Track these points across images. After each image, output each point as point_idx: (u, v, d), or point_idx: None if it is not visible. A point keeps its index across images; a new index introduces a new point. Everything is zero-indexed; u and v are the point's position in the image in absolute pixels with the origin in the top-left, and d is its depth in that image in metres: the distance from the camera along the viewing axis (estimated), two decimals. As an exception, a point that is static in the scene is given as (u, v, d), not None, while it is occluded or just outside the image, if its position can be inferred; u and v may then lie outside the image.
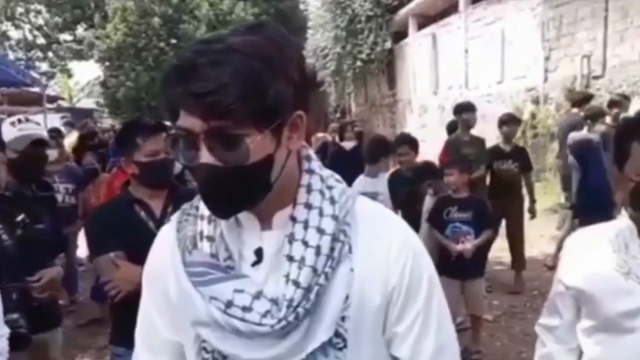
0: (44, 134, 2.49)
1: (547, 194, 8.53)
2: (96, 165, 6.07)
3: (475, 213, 3.99)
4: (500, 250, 5.63)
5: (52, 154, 4.66)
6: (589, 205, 4.96)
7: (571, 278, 1.39)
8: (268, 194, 0.88)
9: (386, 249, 0.93)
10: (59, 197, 4.63)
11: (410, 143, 4.60)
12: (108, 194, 4.49)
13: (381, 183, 4.43)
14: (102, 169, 6.29)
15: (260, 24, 0.88)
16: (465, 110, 5.56)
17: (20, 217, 2.38)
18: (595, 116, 5.50)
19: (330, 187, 0.95)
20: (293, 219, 0.91)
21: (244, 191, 0.86)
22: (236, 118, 0.79)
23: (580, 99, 6.63)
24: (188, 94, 0.79)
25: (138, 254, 1.31)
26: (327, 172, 0.98)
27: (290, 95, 0.84)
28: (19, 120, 2.41)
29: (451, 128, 6.49)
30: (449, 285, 3.57)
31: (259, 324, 0.86)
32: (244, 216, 0.92)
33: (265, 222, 0.93)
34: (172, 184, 2.29)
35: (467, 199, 4.05)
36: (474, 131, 5.67)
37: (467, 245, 3.91)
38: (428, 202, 4.26)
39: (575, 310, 1.42)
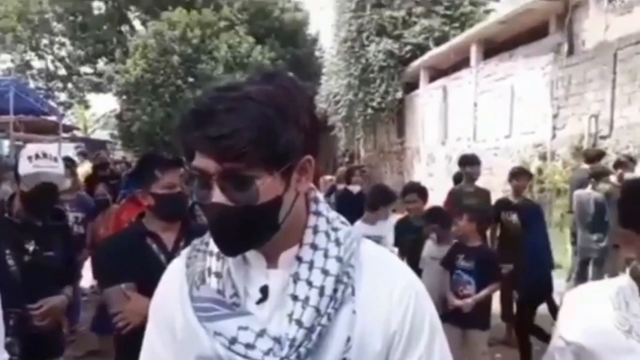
0: (57, 173, 2.42)
1: (553, 250, 8.55)
2: (108, 196, 6.14)
3: (478, 263, 3.98)
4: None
5: (65, 182, 4.75)
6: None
7: (571, 333, 1.38)
8: (276, 234, 0.91)
9: (389, 292, 0.94)
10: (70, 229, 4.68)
11: (419, 191, 4.65)
12: (116, 225, 4.52)
13: (379, 230, 4.42)
14: (113, 200, 6.36)
15: (274, 73, 0.94)
16: (469, 164, 5.63)
17: (29, 244, 2.39)
18: (600, 175, 5.56)
19: (335, 229, 0.97)
20: (299, 259, 0.93)
21: (252, 230, 0.89)
22: (248, 161, 0.84)
23: (594, 156, 6.73)
24: (204, 137, 0.84)
25: (148, 287, 1.31)
26: (333, 214, 1.00)
27: (300, 141, 0.88)
28: (37, 156, 2.39)
29: (457, 179, 6.55)
30: (450, 332, 3.54)
31: None
32: (251, 254, 0.95)
33: (272, 261, 0.94)
34: (185, 218, 2.29)
35: (473, 248, 4.01)
36: (480, 183, 5.71)
37: (468, 300, 3.90)
38: (429, 246, 4.26)
39: None
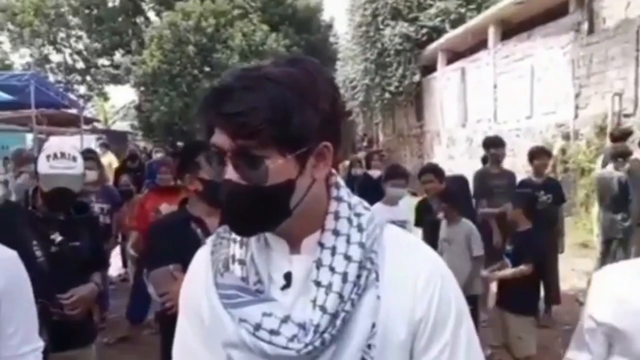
0: (75, 174, 2.42)
1: (578, 229, 8.50)
2: (131, 187, 6.23)
3: (517, 247, 4.02)
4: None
5: (91, 174, 4.81)
6: None
7: (602, 314, 1.36)
8: (289, 219, 0.90)
9: (414, 278, 0.93)
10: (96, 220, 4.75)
11: (434, 172, 4.62)
12: (140, 214, 4.62)
13: (400, 212, 4.38)
14: (137, 190, 6.45)
15: (300, 58, 0.93)
16: (493, 145, 5.59)
17: (55, 235, 2.41)
18: (621, 155, 5.50)
19: (358, 215, 0.95)
20: (321, 245, 0.92)
21: (261, 212, 0.88)
22: (261, 140, 0.84)
23: (620, 135, 6.66)
24: (220, 114, 0.85)
25: None
26: (355, 200, 0.98)
27: (317, 125, 0.87)
28: (55, 156, 2.39)
29: (484, 161, 6.53)
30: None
31: (286, 348, 0.87)
32: (274, 240, 0.95)
33: (295, 247, 0.94)
34: None
35: (515, 233, 4.10)
36: (505, 165, 5.67)
37: (497, 273, 3.97)
38: (442, 228, 4.25)
39: (606, 346, 1.38)
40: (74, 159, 2.44)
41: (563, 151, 9.88)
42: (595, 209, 6.94)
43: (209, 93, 0.89)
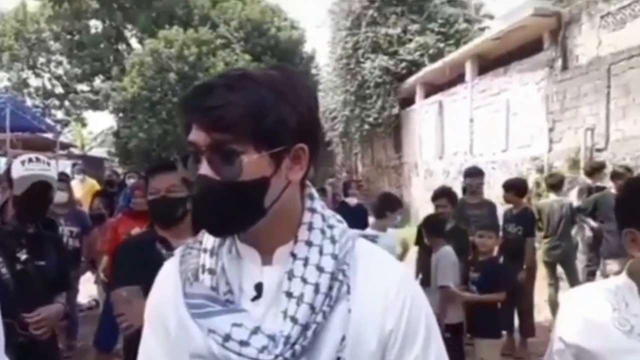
0: (50, 175, 2.44)
1: None
2: (103, 211, 6.13)
3: (483, 275, 4.08)
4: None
5: (62, 196, 4.72)
6: None
7: (571, 335, 1.37)
8: (262, 221, 0.90)
9: (384, 291, 0.93)
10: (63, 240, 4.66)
11: (449, 196, 4.80)
12: (113, 238, 4.54)
13: (388, 239, 4.44)
14: (110, 215, 6.35)
15: (282, 65, 0.96)
16: (469, 176, 5.68)
17: (21, 253, 2.37)
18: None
19: (331, 227, 0.96)
20: (293, 256, 0.92)
21: (234, 208, 0.88)
22: (236, 134, 0.85)
23: (594, 169, 6.93)
24: (198, 108, 0.87)
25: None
26: (329, 212, 0.99)
27: (293, 125, 0.88)
28: (30, 160, 2.42)
29: (464, 191, 6.60)
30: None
31: (256, 359, 0.86)
32: (245, 250, 0.94)
33: (266, 257, 0.93)
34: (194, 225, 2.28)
35: (480, 262, 4.25)
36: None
37: (466, 294, 4.08)
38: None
39: None
40: (48, 164, 2.47)
41: (537, 184, 10.02)
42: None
43: (191, 90, 0.90)
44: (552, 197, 6.32)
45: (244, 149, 0.86)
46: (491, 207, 5.61)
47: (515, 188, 5.66)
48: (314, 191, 0.99)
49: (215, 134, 0.85)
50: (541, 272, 5.87)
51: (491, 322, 4.07)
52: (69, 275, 3.04)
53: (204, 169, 0.87)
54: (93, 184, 8.94)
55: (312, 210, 0.96)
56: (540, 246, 6.21)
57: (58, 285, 2.56)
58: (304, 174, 0.93)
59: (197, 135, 0.87)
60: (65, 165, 12.38)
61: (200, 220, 0.92)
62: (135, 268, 2.10)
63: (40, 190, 2.38)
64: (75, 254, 4.93)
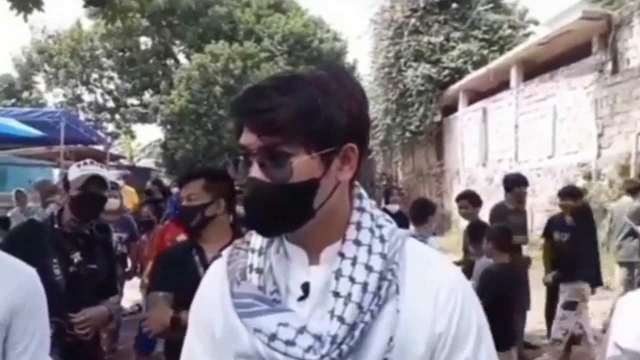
0: (104, 174, 2.59)
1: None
2: (152, 217, 6.32)
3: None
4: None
5: (113, 203, 4.89)
6: None
7: (628, 341, 1.31)
8: (311, 221, 0.89)
9: (434, 293, 0.91)
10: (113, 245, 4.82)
11: (469, 198, 4.93)
12: (160, 245, 4.63)
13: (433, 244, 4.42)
14: (158, 222, 6.54)
15: (330, 65, 0.96)
16: (517, 184, 5.47)
17: (75, 255, 2.43)
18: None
19: (380, 226, 0.94)
20: (341, 255, 0.90)
21: (284, 210, 0.88)
22: (286, 136, 0.85)
23: (635, 188, 6.78)
24: (249, 111, 0.88)
25: (184, 298, 1.35)
26: (377, 212, 0.97)
27: (343, 125, 0.87)
28: (84, 163, 2.57)
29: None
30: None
31: (302, 359, 0.85)
32: (293, 250, 0.94)
33: (314, 257, 0.93)
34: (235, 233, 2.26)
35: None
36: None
37: None
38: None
39: None
40: (102, 166, 2.63)
41: (585, 191, 9.72)
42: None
43: (242, 93, 0.91)
44: (625, 199, 6.42)
45: (294, 151, 0.86)
46: (525, 215, 5.64)
47: (572, 195, 5.46)
48: (362, 191, 0.98)
49: (266, 136, 0.85)
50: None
51: (495, 335, 3.92)
52: (117, 280, 3.12)
53: (255, 171, 0.88)
54: (131, 193, 9.18)
55: (361, 210, 0.95)
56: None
57: (106, 290, 2.62)
58: (353, 173, 0.92)
59: (248, 138, 0.88)
60: (115, 176, 12.79)
61: (251, 221, 0.94)
62: (170, 275, 2.21)
63: (95, 187, 2.48)
64: (121, 260, 5.10)
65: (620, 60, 9.68)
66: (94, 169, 2.52)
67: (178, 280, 2.09)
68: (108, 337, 4.90)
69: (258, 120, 0.86)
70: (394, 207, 6.97)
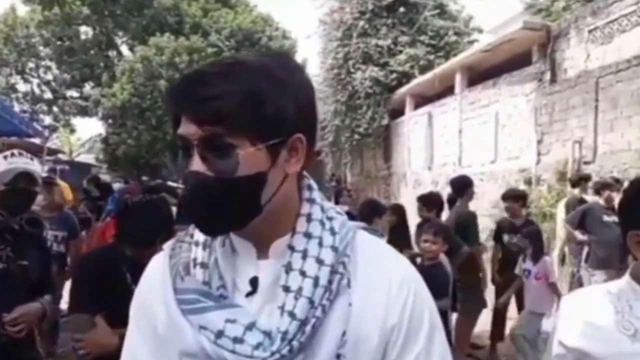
0: (34, 169, 2.44)
1: None
2: (89, 214, 6.05)
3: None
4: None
5: (38, 200, 4.61)
6: None
7: (572, 339, 1.33)
8: (258, 217, 0.85)
9: (386, 285, 0.89)
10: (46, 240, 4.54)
11: (513, 198, 5.34)
12: (100, 244, 4.45)
13: None
14: (96, 219, 6.26)
15: (276, 52, 0.94)
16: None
17: (4, 251, 2.32)
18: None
19: (330, 218, 0.91)
20: (291, 248, 0.87)
21: (229, 206, 0.83)
22: (231, 127, 0.79)
23: (577, 180, 7.09)
24: (189, 98, 0.81)
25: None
26: (328, 204, 0.94)
27: (290, 115, 0.83)
28: (12, 154, 2.43)
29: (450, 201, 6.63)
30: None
31: (251, 357, 0.82)
32: (240, 243, 0.90)
33: (262, 251, 0.89)
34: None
35: (423, 266, 4.13)
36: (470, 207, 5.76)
37: None
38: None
39: None
40: (32, 158, 2.45)
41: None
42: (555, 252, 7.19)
43: (180, 78, 0.84)
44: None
45: (239, 143, 0.80)
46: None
47: (523, 199, 5.81)
48: (312, 182, 0.94)
49: (208, 126, 0.80)
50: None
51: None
52: (51, 277, 2.95)
53: (196, 164, 0.82)
54: (65, 188, 8.76)
55: (311, 201, 0.92)
56: None
57: (40, 288, 2.49)
58: (301, 166, 0.88)
59: (188, 129, 0.82)
60: (42, 171, 12.17)
61: (193, 219, 0.88)
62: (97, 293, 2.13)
63: (24, 182, 2.37)
64: (60, 260, 4.77)
65: (558, 70, 10.02)
66: (22, 163, 2.39)
67: (107, 300, 2.04)
68: (45, 339, 4.63)
69: (200, 108, 0.80)
70: (344, 208, 6.97)
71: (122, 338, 1.88)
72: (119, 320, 1.07)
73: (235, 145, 0.80)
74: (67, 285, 5.62)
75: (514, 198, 5.66)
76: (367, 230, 1.00)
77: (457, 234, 4.89)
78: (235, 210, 0.84)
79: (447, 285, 3.94)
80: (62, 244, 4.92)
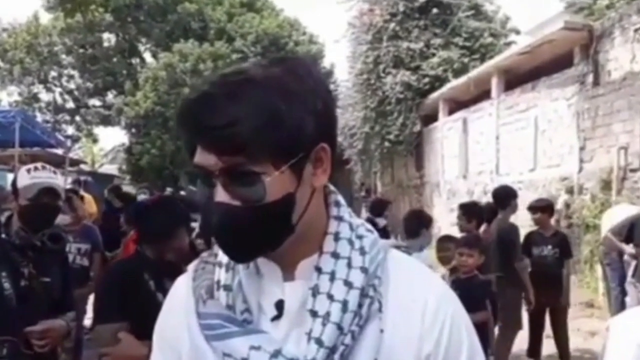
0: (57, 183, 2.49)
1: (583, 288, 8.37)
2: (124, 227, 5.91)
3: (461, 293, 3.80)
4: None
5: (63, 219, 4.46)
6: None
7: None
8: (290, 237, 0.83)
9: (421, 309, 0.86)
10: (69, 258, 4.36)
11: (541, 209, 5.34)
12: (127, 253, 4.29)
13: (426, 259, 4.22)
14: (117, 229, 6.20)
15: (283, 57, 0.86)
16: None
17: (26, 268, 2.28)
18: None
19: (360, 237, 0.88)
20: (318, 270, 0.85)
21: (261, 233, 0.82)
22: (251, 154, 0.77)
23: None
24: (201, 128, 0.78)
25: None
26: (357, 221, 0.92)
27: (311, 127, 0.81)
28: (35, 168, 2.47)
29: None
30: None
31: None
32: (264, 264, 0.87)
33: (288, 272, 0.87)
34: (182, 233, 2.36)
35: (459, 279, 4.13)
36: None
37: None
38: None
39: None
40: (55, 172, 2.50)
41: (567, 206, 9.72)
42: (599, 267, 6.82)
43: (186, 103, 0.81)
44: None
45: (263, 169, 0.78)
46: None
47: (551, 208, 5.81)
48: (340, 197, 0.92)
49: (228, 157, 0.77)
50: (573, 297, 5.80)
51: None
52: (72, 294, 2.93)
53: (221, 195, 0.80)
54: (89, 201, 8.67)
55: (339, 219, 0.89)
56: None
57: (61, 305, 2.49)
58: (327, 177, 0.86)
59: (206, 159, 0.79)
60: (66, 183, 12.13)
61: (225, 250, 0.85)
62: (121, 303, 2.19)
63: (46, 199, 2.39)
64: (82, 273, 4.65)
65: (601, 72, 9.68)
66: (45, 177, 2.42)
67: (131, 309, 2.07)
68: (68, 357, 4.44)
69: (215, 139, 0.77)
70: (382, 222, 6.64)
71: (150, 348, 1.75)
72: (145, 331, 1.08)
73: (260, 173, 0.79)
74: (91, 299, 5.41)
75: (542, 209, 5.58)
76: (400, 249, 0.98)
77: (499, 248, 4.87)
78: (267, 236, 0.82)
79: (484, 298, 3.96)
80: (85, 257, 4.85)
